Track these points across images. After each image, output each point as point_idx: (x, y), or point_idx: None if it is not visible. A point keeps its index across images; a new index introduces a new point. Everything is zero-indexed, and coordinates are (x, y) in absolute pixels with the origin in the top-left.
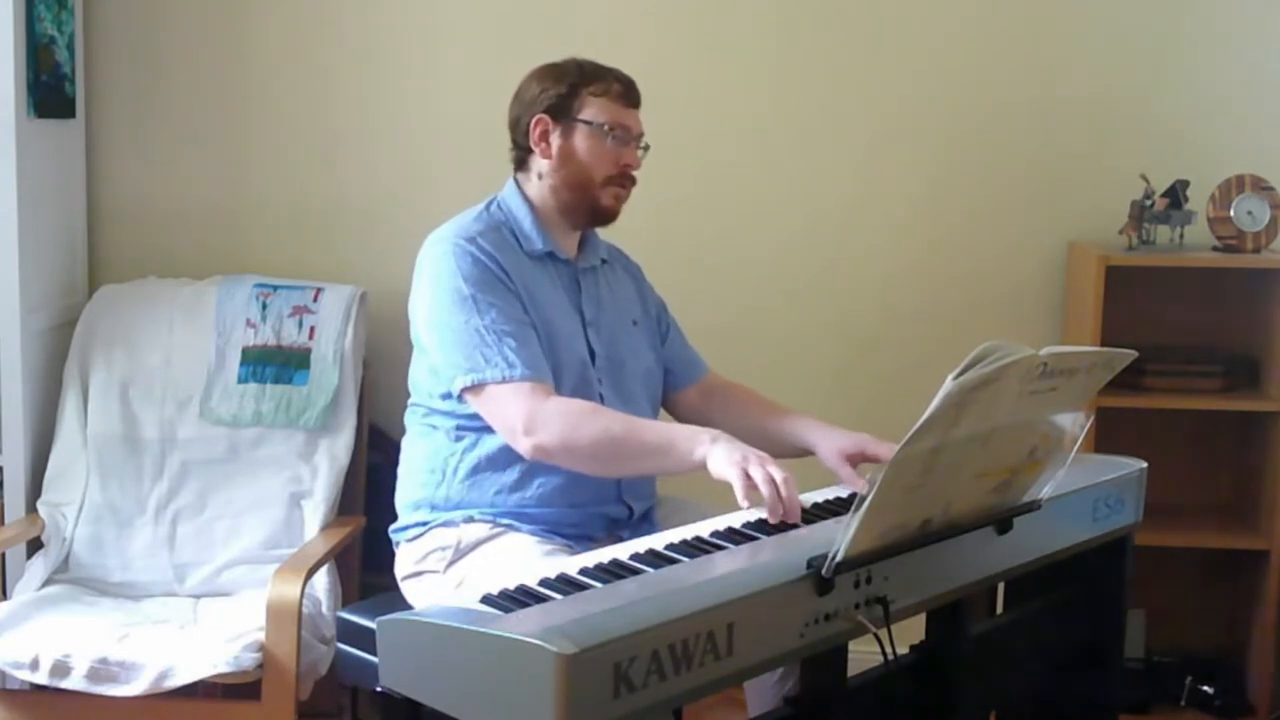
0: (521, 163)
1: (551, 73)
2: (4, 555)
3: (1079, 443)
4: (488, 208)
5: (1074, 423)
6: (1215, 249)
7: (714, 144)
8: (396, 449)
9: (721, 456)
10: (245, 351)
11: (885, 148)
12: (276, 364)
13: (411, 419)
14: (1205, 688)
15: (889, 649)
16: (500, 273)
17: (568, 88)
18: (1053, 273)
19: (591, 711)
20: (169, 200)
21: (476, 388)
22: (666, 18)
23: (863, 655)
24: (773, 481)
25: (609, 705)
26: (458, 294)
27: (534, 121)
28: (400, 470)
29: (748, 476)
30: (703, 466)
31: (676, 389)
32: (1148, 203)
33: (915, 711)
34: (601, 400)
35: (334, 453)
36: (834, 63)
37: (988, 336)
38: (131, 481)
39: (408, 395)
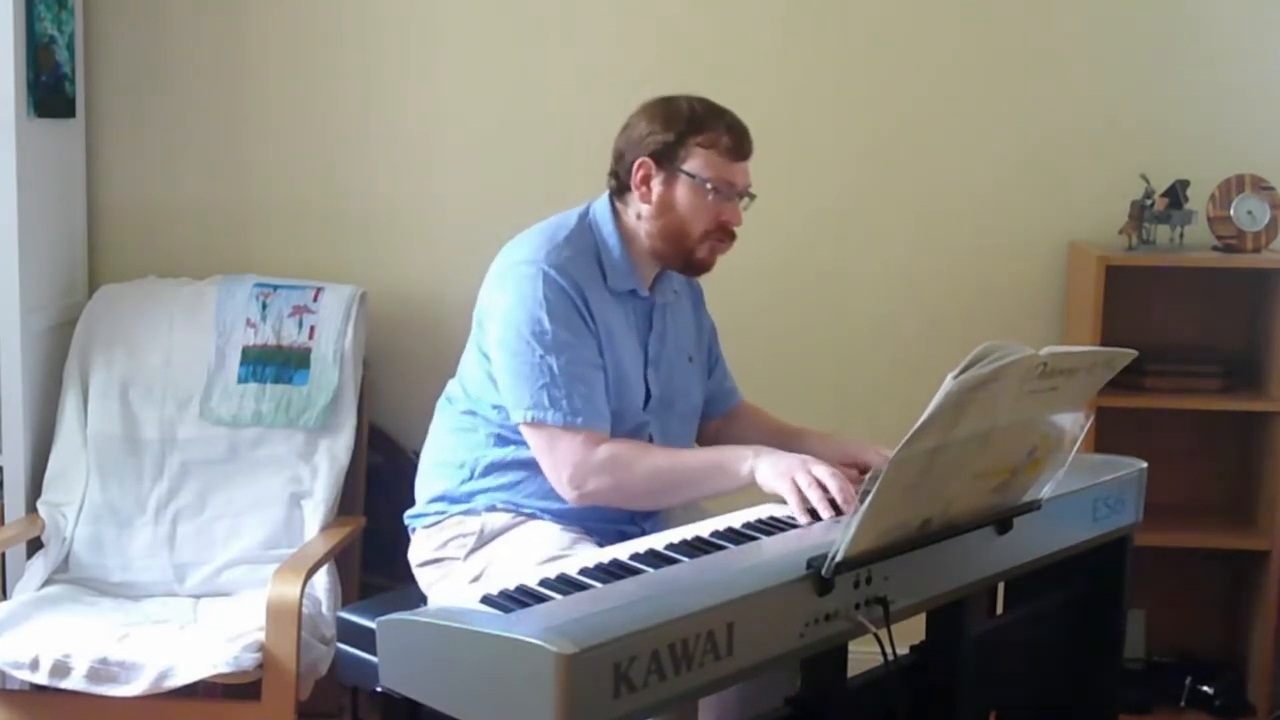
0: (621, 192)
1: (662, 113)
2: (4, 555)
3: (1079, 443)
4: (580, 224)
5: (1074, 423)
6: (1215, 249)
7: None
8: (396, 449)
9: (769, 470)
10: (245, 351)
11: (885, 147)
12: (276, 364)
13: (447, 408)
14: (1205, 688)
15: (889, 649)
16: (584, 309)
17: (675, 135)
18: (1053, 273)
19: (591, 711)
20: (169, 200)
21: (536, 425)
22: (667, 19)
23: (863, 655)
24: (819, 484)
25: (609, 705)
26: (538, 325)
27: (637, 164)
28: (426, 458)
29: (797, 487)
30: (752, 482)
31: (707, 419)
32: (1148, 203)
33: (915, 711)
34: (650, 441)
35: (334, 453)
36: (834, 63)
37: (988, 336)
38: (131, 481)
39: (409, 395)
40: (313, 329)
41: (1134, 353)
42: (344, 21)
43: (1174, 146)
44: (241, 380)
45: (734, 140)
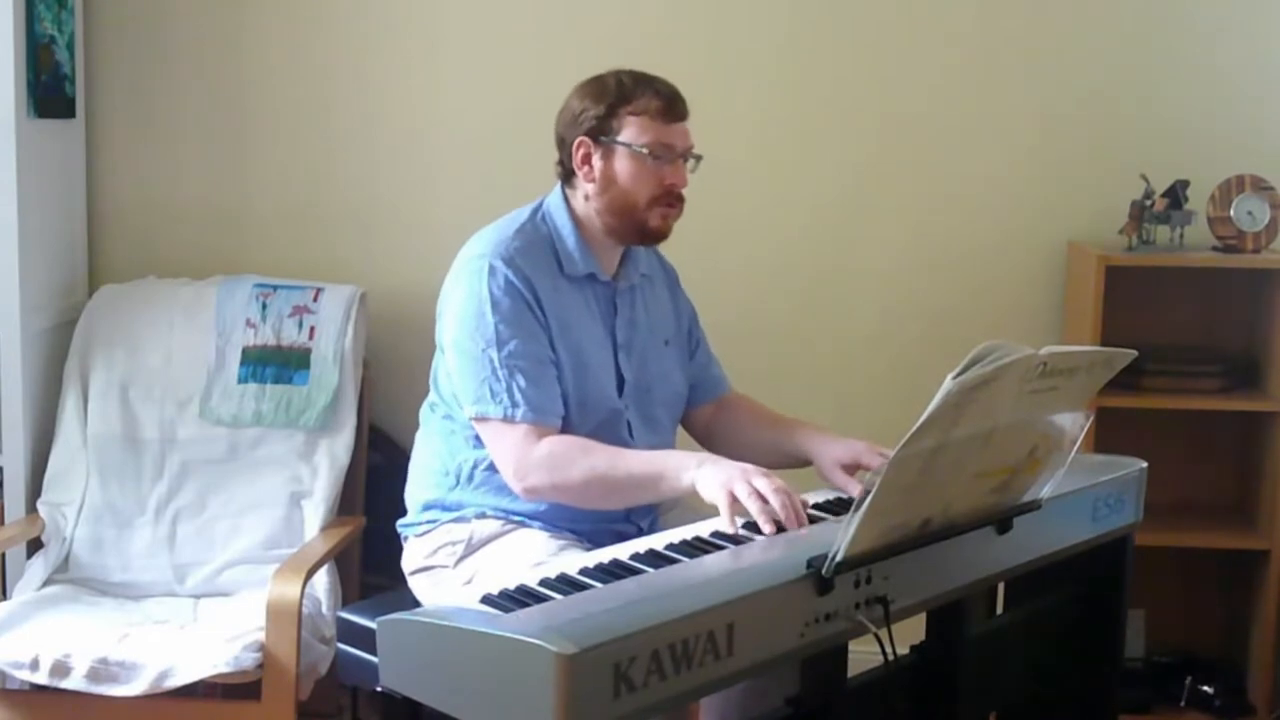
0: (568, 178)
1: (592, 90)
2: (4, 555)
3: (1079, 443)
4: (533, 217)
5: (1074, 423)
6: (1215, 249)
7: (715, 144)
8: (396, 449)
9: (708, 480)
10: (245, 351)
11: (886, 148)
12: (276, 364)
13: (429, 415)
14: (1205, 688)
15: (889, 649)
16: (532, 300)
17: (606, 108)
18: (1053, 273)
19: (591, 711)
20: (169, 200)
21: (481, 419)
22: (668, 17)
23: (863, 655)
24: (758, 495)
25: (609, 705)
26: (482, 319)
27: (576, 144)
28: (413, 467)
29: (734, 499)
30: (694, 492)
31: (694, 406)
32: (1148, 203)
33: (915, 711)
34: (629, 428)
35: (334, 453)
36: (835, 63)
37: (988, 336)
38: (131, 481)
39: (409, 395)
40: (313, 329)
41: (1134, 353)
42: (344, 22)
43: (1174, 146)
44: (241, 380)
45: (664, 103)
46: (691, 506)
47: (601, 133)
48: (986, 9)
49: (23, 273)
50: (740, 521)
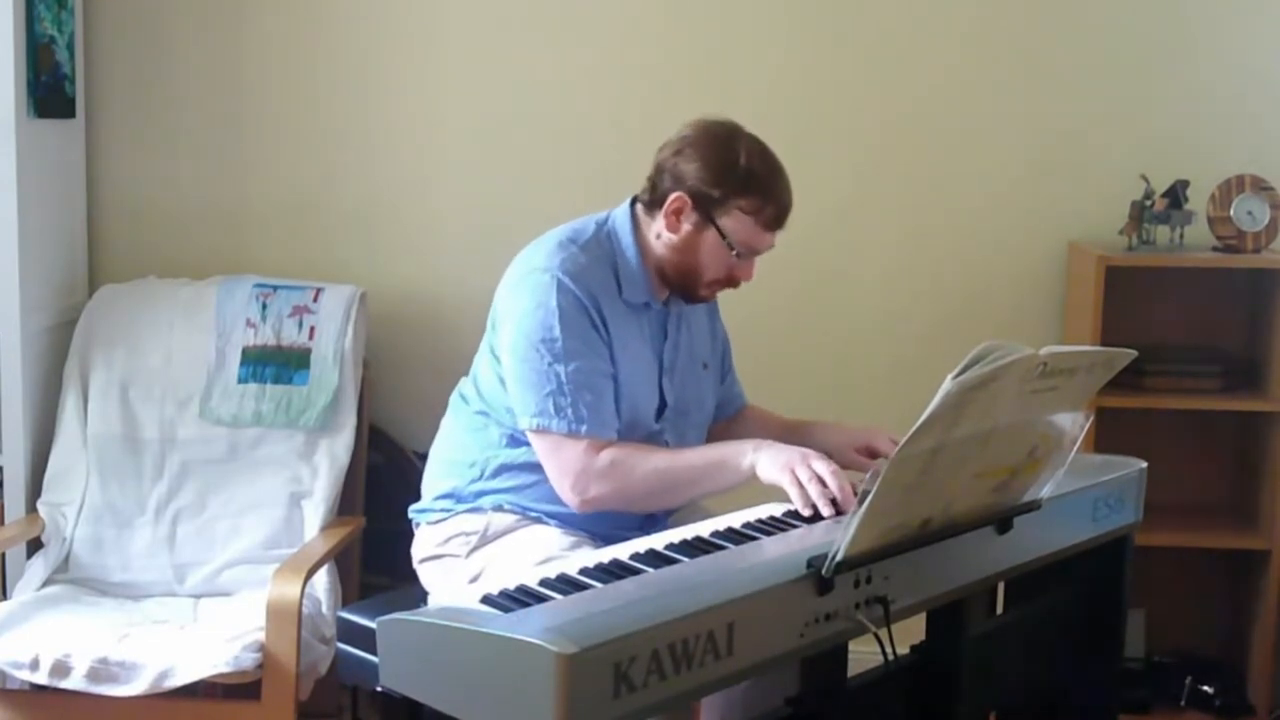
0: (650, 205)
1: (719, 159)
2: (4, 555)
3: (1079, 443)
4: (598, 232)
5: (1074, 423)
6: (1215, 249)
7: None
8: (396, 449)
9: (769, 462)
10: (245, 351)
11: (885, 148)
12: (276, 364)
13: (461, 406)
14: (1205, 688)
15: (889, 649)
16: (597, 319)
17: (721, 193)
18: (1053, 273)
19: (591, 711)
20: (169, 200)
21: (541, 431)
22: (667, 19)
23: (863, 655)
24: (819, 480)
25: (609, 705)
26: (549, 333)
27: (674, 196)
28: (436, 454)
29: (799, 482)
30: (754, 476)
31: (714, 422)
32: (1148, 203)
33: (915, 711)
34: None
35: (334, 453)
36: (835, 63)
37: (988, 336)
38: (131, 481)
39: (409, 395)
40: (313, 329)
41: (1134, 353)
42: (344, 22)
43: (1174, 146)
44: (241, 380)
45: (777, 214)
46: (698, 507)
47: (706, 204)
48: (986, 10)
49: (23, 273)
50: (809, 509)
